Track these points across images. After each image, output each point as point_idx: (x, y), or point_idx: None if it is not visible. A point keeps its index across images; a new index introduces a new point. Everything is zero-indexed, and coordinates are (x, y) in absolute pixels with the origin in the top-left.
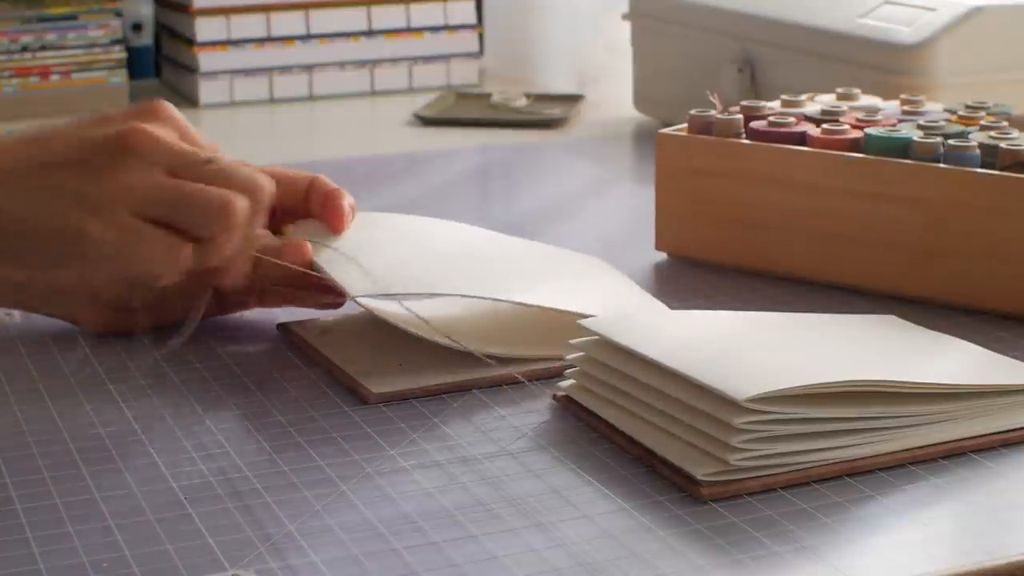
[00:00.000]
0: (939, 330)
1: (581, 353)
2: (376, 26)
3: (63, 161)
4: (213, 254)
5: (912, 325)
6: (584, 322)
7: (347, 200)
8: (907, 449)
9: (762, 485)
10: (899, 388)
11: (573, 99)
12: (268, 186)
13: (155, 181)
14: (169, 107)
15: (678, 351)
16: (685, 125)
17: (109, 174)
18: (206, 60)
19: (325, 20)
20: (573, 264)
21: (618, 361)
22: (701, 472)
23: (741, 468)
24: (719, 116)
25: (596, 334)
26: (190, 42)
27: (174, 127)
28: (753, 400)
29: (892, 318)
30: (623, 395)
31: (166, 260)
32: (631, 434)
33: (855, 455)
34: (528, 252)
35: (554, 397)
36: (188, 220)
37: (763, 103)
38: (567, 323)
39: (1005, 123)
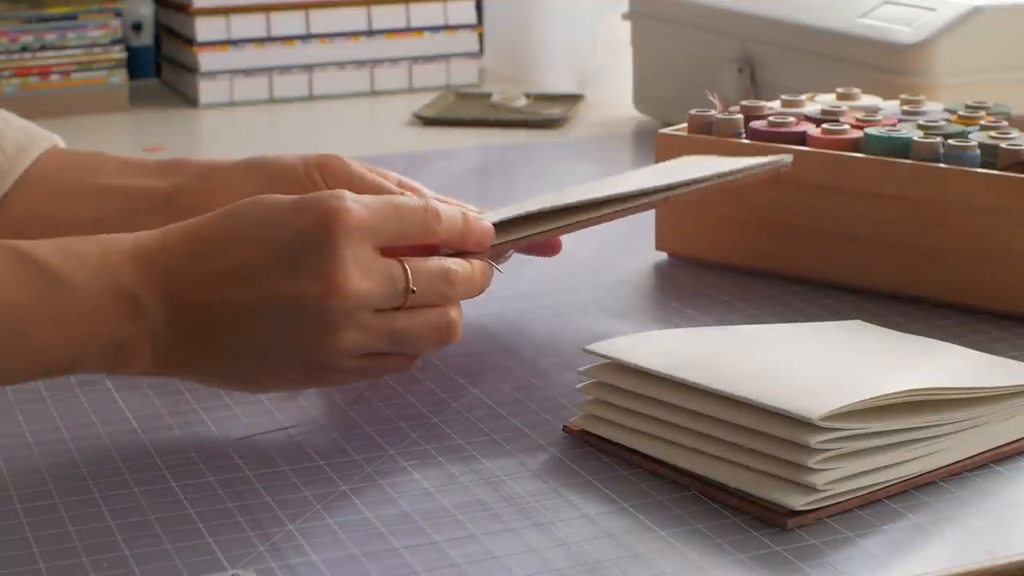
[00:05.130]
0: (939, 330)
1: (592, 380)
2: (376, 26)
3: (275, 319)
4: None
5: (879, 328)
6: (593, 347)
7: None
8: (965, 458)
9: (842, 509)
10: (954, 395)
11: (573, 99)
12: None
13: (367, 333)
14: (353, 209)
15: (719, 373)
16: (685, 125)
17: (327, 341)
18: (206, 60)
19: (325, 20)
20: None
21: (643, 387)
22: (798, 503)
23: (832, 494)
24: (719, 116)
25: (609, 358)
26: (190, 42)
27: (365, 232)
28: (826, 418)
29: (858, 322)
30: (656, 423)
31: (376, 376)
32: (683, 466)
33: (920, 469)
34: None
35: (565, 429)
36: (408, 349)
37: (763, 103)
38: None
39: (1005, 123)
